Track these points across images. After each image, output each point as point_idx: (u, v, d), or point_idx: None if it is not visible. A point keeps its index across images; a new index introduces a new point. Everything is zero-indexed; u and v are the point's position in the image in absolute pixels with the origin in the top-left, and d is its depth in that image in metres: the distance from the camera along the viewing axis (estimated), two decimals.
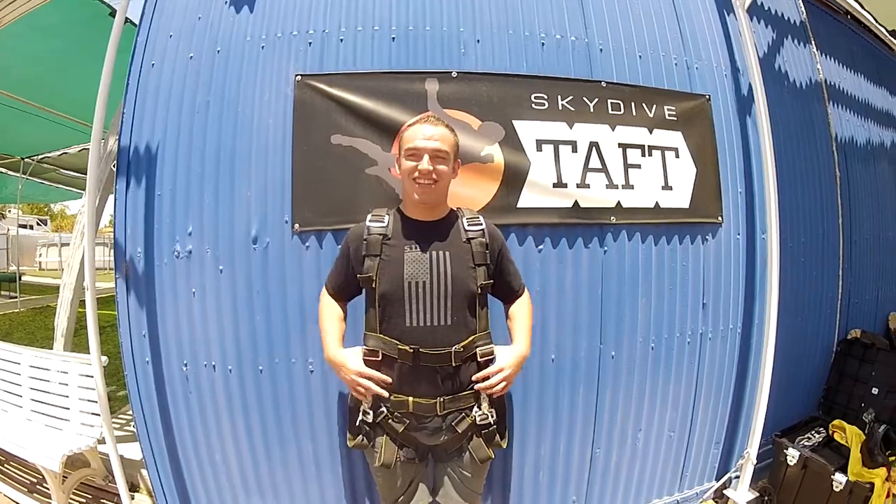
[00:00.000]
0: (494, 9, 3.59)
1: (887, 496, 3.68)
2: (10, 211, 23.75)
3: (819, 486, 3.77)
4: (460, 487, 2.66)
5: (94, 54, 3.29)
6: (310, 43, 3.42)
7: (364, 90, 3.35)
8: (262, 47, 3.43)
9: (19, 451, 3.88)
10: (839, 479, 3.66)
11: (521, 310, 2.73)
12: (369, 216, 2.58)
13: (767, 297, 3.75)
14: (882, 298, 5.51)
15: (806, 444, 4.03)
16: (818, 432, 4.16)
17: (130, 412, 3.56)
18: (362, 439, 2.56)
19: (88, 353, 3.47)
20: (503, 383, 2.47)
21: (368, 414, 2.49)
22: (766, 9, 4.64)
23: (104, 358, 3.44)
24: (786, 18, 4.82)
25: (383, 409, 2.49)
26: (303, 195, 3.30)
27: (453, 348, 2.44)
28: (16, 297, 14.02)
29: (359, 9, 3.47)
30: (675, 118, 3.83)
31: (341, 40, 3.43)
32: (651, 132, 3.74)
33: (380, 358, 2.48)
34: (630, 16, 3.87)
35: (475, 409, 2.53)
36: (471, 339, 2.49)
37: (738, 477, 3.84)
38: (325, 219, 3.28)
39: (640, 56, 3.84)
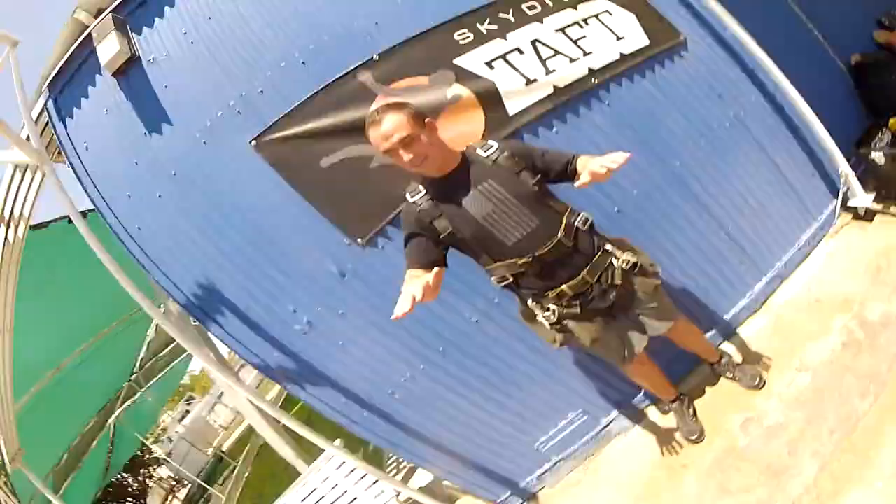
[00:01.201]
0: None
1: None
2: (163, 421, 22.69)
3: None
4: (655, 316, 2.87)
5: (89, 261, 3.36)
6: (238, 111, 3.52)
7: (315, 114, 3.43)
8: (204, 143, 3.54)
9: None
10: None
11: (584, 157, 2.68)
12: (407, 193, 2.63)
13: (763, 64, 3.97)
14: (856, 29, 5.50)
15: (881, 145, 4.11)
16: (883, 133, 4.21)
17: None
18: (562, 336, 2.75)
19: None
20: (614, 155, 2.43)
21: (549, 316, 2.66)
22: None
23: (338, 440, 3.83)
24: None
25: (550, 307, 2.65)
26: (340, 217, 3.45)
27: (559, 236, 2.54)
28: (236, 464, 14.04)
29: (254, 59, 3.58)
30: None
31: (261, 92, 3.53)
32: (576, 9, 3.84)
33: (511, 279, 2.61)
34: None
35: (614, 260, 2.66)
36: (563, 221, 2.58)
37: (847, 189, 4.07)
38: (374, 219, 3.43)
39: None
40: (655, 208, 3.74)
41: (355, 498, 4.30)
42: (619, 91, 3.76)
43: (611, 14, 3.90)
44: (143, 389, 11.42)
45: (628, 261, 2.66)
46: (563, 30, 3.75)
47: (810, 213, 4.17)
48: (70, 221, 3.46)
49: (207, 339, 4.14)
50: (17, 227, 3.91)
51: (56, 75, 3.74)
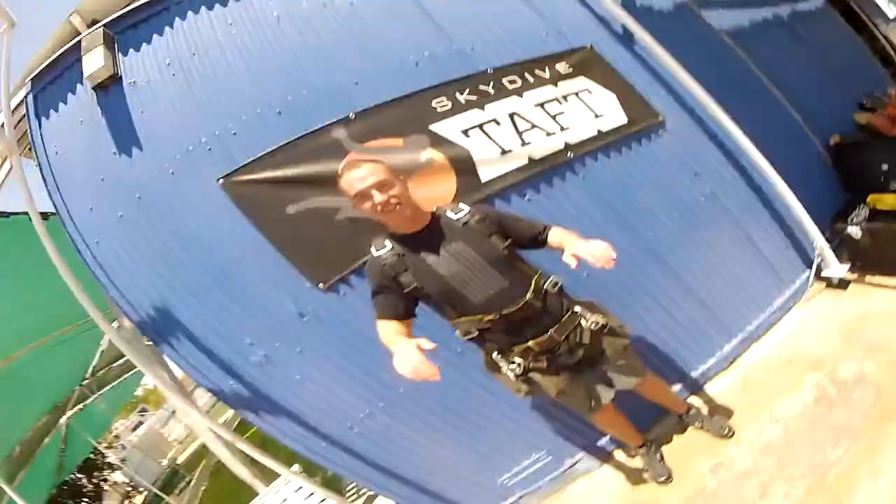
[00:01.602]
0: (357, 55, 3.81)
1: None
2: (115, 429, 22.22)
3: (894, 243, 3.85)
4: (624, 372, 2.87)
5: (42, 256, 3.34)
6: (209, 149, 3.56)
7: (286, 162, 3.47)
8: (172, 173, 3.55)
9: None
10: None
11: (559, 229, 2.78)
12: (372, 248, 2.62)
13: (740, 143, 4.03)
14: (837, 109, 5.66)
15: (857, 220, 4.12)
16: (861, 209, 4.23)
17: None
18: (527, 386, 2.71)
19: None
20: (603, 249, 2.51)
21: (515, 368, 2.64)
22: None
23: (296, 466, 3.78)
24: None
25: (516, 360, 2.64)
26: (302, 261, 3.45)
27: (527, 297, 2.54)
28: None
29: (231, 101, 3.65)
30: (571, 69, 4.02)
31: (234, 134, 3.58)
32: (556, 86, 3.92)
33: (476, 333, 2.61)
34: (482, 15, 4.12)
35: (583, 321, 2.68)
36: (533, 283, 2.59)
37: (822, 260, 4.09)
38: (337, 266, 3.44)
39: (511, 41, 4.06)
40: (626, 275, 3.75)
41: None
42: (595, 165, 3.81)
43: (590, 92, 3.98)
44: (94, 396, 11.37)
45: (597, 322, 2.67)
46: (542, 105, 3.82)
47: (783, 282, 4.21)
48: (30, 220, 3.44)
49: (160, 359, 4.09)
50: None
51: (41, 72, 3.81)
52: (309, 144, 3.52)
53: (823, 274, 4.12)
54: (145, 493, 16.66)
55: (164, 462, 18.62)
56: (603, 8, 4.31)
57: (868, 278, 3.94)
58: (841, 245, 4.17)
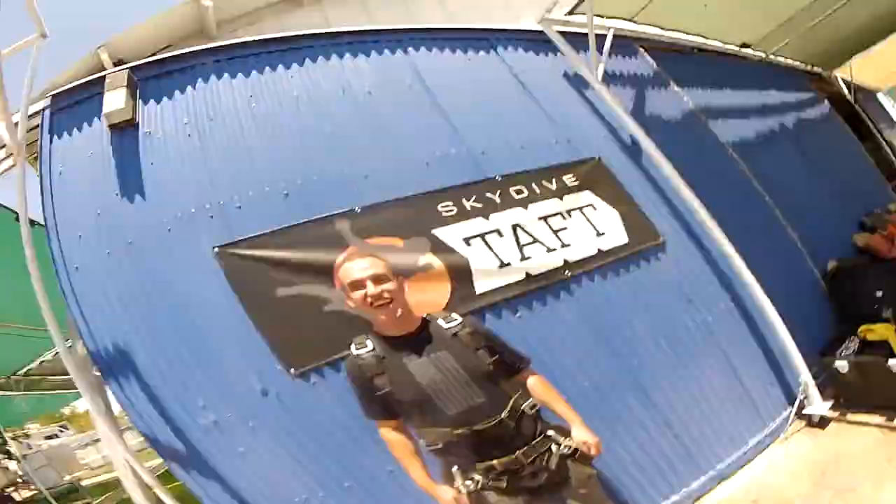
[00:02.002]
0: (368, 146, 3.89)
1: None
2: (27, 430, 22.04)
3: (882, 378, 3.83)
4: (584, 502, 2.64)
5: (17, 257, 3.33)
6: (211, 216, 3.54)
7: (283, 244, 3.47)
8: (169, 230, 3.51)
9: None
10: (894, 362, 3.73)
11: (543, 393, 2.77)
12: (353, 346, 2.58)
13: (738, 270, 4.15)
14: (837, 230, 5.87)
15: (846, 353, 4.15)
16: (851, 341, 4.28)
17: None
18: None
19: None
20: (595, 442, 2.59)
21: (469, 485, 2.46)
22: (620, 73, 5.15)
23: None
24: (641, 74, 5.36)
25: (475, 477, 2.48)
26: (281, 344, 3.32)
27: (502, 415, 2.47)
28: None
29: (242, 175, 3.68)
30: (577, 182, 4.10)
31: (238, 207, 3.58)
32: (561, 199, 3.99)
33: (441, 445, 2.50)
34: (496, 117, 4.26)
35: (554, 446, 2.56)
36: (511, 403, 2.52)
37: (805, 398, 4.12)
38: (314, 355, 3.32)
39: (521, 147, 4.16)
40: (603, 400, 3.69)
41: None
42: (591, 286, 3.84)
43: (595, 209, 4.05)
44: (17, 393, 11.46)
45: (569, 447, 2.56)
46: (545, 218, 3.88)
47: (762, 419, 4.16)
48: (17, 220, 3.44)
49: (102, 389, 4.06)
50: None
51: (62, 92, 3.80)
52: (311, 231, 3.53)
53: (805, 411, 4.10)
54: (35, 492, 16.36)
55: (67, 477, 18.06)
56: (613, 117, 4.44)
57: (849, 416, 3.95)
58: (827, 380, 4.20)
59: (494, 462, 2.46)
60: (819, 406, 4.03)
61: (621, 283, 3.95)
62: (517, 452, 2.47)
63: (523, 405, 2.56)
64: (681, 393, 3.95)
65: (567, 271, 3.76)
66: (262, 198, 3.62)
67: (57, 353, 8.67)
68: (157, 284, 3.40)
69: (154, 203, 3.57)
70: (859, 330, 4.26)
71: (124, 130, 3.69)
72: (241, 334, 3.33)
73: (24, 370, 10.96)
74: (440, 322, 2.65)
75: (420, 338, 2.59)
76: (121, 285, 3.41)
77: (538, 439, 2.55)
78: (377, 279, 2.51)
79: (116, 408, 3.81)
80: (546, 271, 3.73)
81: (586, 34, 4.47)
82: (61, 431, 27.06)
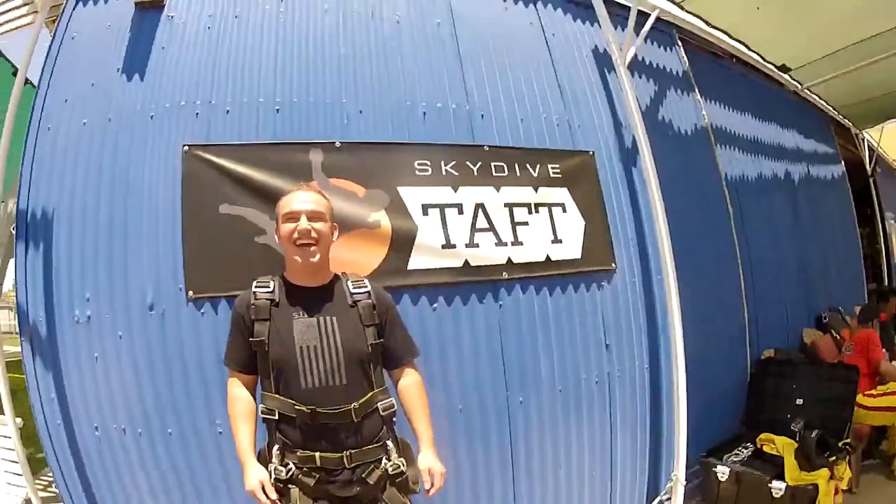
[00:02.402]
0: (377, 80, 3.78)
1: (836, 493, 3.86)
2: None
3: (757, 496, 3.86)
4: None
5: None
6: (197, 114, 3.53)
7: (251, 161, 3.44)
8: (152, 117, 3.51)
9: None
10: (778, 486, 3.76)
11: (415, 395, 2.69)
12: (255, 283, 2.55)
13: (672, 334, 3.87)
14: (792, 317, 5.79)
15: (734, 459, 4.17)
16: (745, 447, 4.32)
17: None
18: (276, 496, 2.47)
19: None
20: (443, 475, 2.56)
21: (281, 471, 2.45)
22: (648, 63, 4.90)
23: (19, 420, 3.44)
24: (668, 70, 5.10)
25: (291, 465, 2.47)
26: (195, 263, 3.34)
27: (352, 405, 2.41)
28: None
29: (244, 81, 3.62)
30: (559, 175, 4.02)
31: (227, 111, 3.55)
32: (536, 190, 3.92)
33: (276, 417, 2.48)
34: (511, 81, 4.09)
35: (384, 460, 2.49)
36: (368, 395, 2.47)
37: (669, 499, 3.88)
38: (219, 285, 3.31)
39: (521, 120, 4.05)
40: (466, 432, 3.60)
41: None
42: (520, 297, 3.77)
43: (564, 211, 3.99)
44: None
45: (398, 466, 2.48)
46: (511, 206, 3.83)
47: None
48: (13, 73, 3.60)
49: (8, 253, 4.13)
50: None
51: None
52: (283, 155, 3.52)
53: None
54: None
55: None
56: (623, 111, 4.31)
57: None
58: (698, 487, 4.16)
59: (316, 454, 2.42)
60: None
61: (552, 304, 3.85)
62: (344, 452, 2.43)
63: (379, 403, 2.52)
64: (548, 452, 3.82)
65: (505, 272, 3.72)
66: (254, 108, 3.58)
67: None
68: (115, 166, 3.44)
69: (149, 88, 3.57)
70: (759, 438, 4.26)
71: (149, 10, 3.68)
72: (164, 241, 3.36)
73: None
74: (349, 284, 2.63)
75: (322, 294, 2.57)
76: (81, 157, 3.46)
77: (373, 445, 2.50)
78: (313, 216, 2.48)
79: (8, 284, 3.79)
80: (485, 265, 3.68)
81: (628, 8, 4.20)
82: None
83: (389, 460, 2.50)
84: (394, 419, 2.59)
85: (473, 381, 3.63)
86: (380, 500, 2.51)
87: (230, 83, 3.61)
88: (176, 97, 3.56)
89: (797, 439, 4.10)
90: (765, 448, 4.20)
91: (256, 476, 2.42)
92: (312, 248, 2.47)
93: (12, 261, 3.90)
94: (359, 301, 2.57)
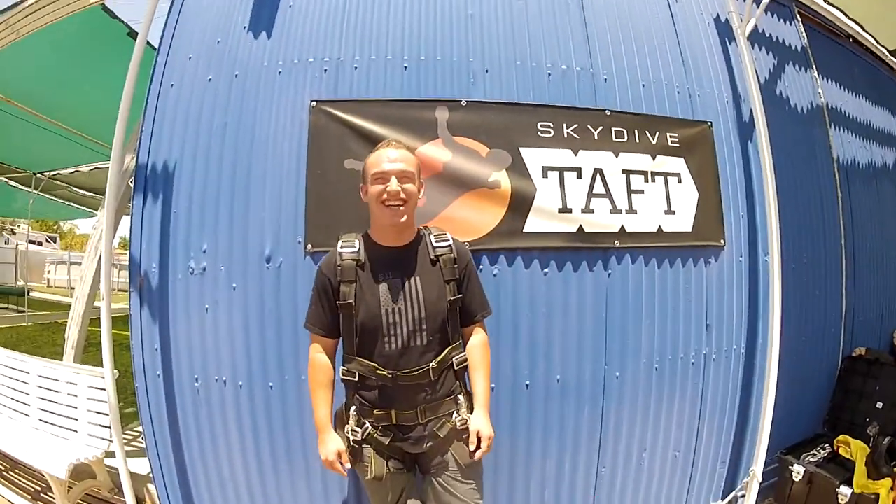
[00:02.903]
0: (503, 41, 3.73)
1: None
2: (19, 226, 23.64)
3: (825, 500, 3.77)
4: (450, 496, 2.61)
5: (110, 73, 3.40)
6: (325, 70, 3.57)
7: (377, 117, 3.47)
8: (279, 73, 3.58)
9: (27, 458, 3.98)
10: (844, 492, 3.68)
11: (480, 354, 2.73)
12: (340, 242, 2.63)
13: (770, 318, 3.77)
14: (886, 316, 5.56)
15: (811, 459, 4.06)
16: (823, 448, 4.21)
17: (138, 428, 3.62)
18: (352, 458, 2.59)
19: (98, 367, 3.59)
20: (492, 439, 2.59)
21: (357, 432, 2.55)
22: (768, 35, 4.74)
23: (115, 371, 3.53)
24: (787, 44, 4.91)
25: (367, 425, 2.56)
26: (316, 217, 3.40)
27: (430, 365, 2.52)
28: (24, 312, 14.17)
29: (373, 38, 3.64)
30: (677, 145, 3.92)
31: (355, 68, 3.58)
32: (654, 158, 3.84)
33: (356, 379, 2.56)
34: (634, 46, 3.99)
35: (454, 414, 2.60)
36: (446, 352, 2.58)
37: (743, 495, 3.78)
38: (335, 238, 3.33)
39: (643, 85, 3.95)
40: (555, 400, 3.57)
41: None
42: (629, 267, 3.70)
43: (679, 182, 3.90)
44: (30, 190, 12.32)
45: (465, 421, 2.57)
46: (629, 173, 3.76)
47: (686, 501, 3.97)
48: (131, 35, 3.72)
49: (123, 207, 4.21)
50: None
51: None
52: (410, 111, 3.52)
53: None
54: None
55: (21, 283, 18.00)
56: (743, 83, 4.20)
57: None
58: (773, 486, 4.09)
59: (392, 412, 2.53)
60: None
61: (659, 277, 3.78)
62: (419, 407, 2.53)
63: (454, 358, 2.62)
64: (635, 430, 3.76)
65: (617, 241, 3.67)
66: (382, 65, 3.60)
67: (94, 168, 9.10)
68: (241, 121, 3.51)
69: (277, 44, 3.62)
70: (837, 440, 4.16)
71: None
72: (287, 194, 3.45)
73: (53, 173, 11.55)
74: (432, 239, 2.67)
75: (406, 254, 2.62)
76: (205, 112, 3.55)
77: (447, 399, 2.60)
78: (403, 176, 2.51)
79: (117, 241, 3.85)
80: (599, 232, 3.64)
81: None
82: (47, 242, 27.20)
83: (458, 414, 2.60)
84: (465, 372, 2.70)
85: (575, 350, 3.61)
86: (450, 459, 2.62)
87: (358, 40, 3.64)
88: (304, 54, 3.61)
89: (871, 444, 4.01)
90: (840, 451, 4.11)
91: (334, 446, 2.54)
92: (401, 209, 2.51)
93: (123, 218, 3.97)
94: (441, 255, 2.62)
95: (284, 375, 3.41)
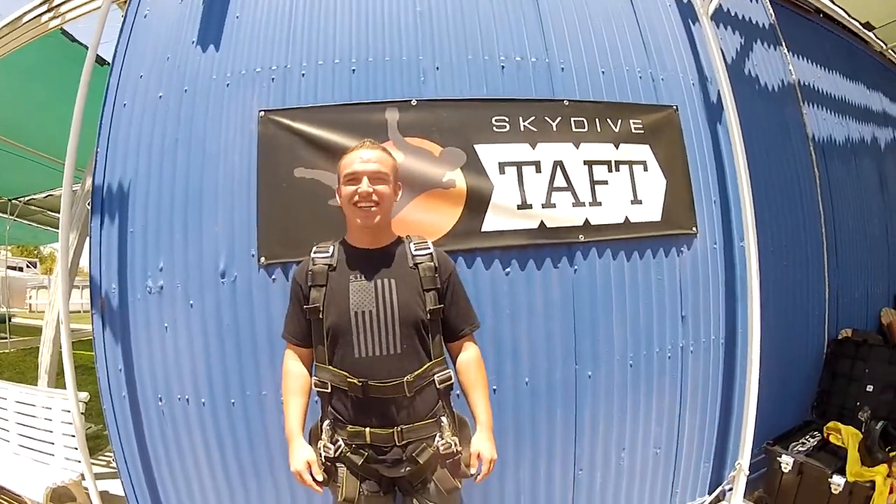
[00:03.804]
0: (454, 35, 3.64)
1: (890, 492, 3.61)
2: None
3: (817, 490, 3.67)
4: None
5: (76, 97, 3.38)
6: (273, 79, 3.52)
7: (326, 123, 3.39)
8: (227, 85, 3.54)
9: (7, 483, 3.97)
10: (837, 482, 3.57)
11: (474, 372, 2.59)
12: (314, 248, 2.54)
13: (749, 305, 3.68)
14: (871, 295, 5.46)
15: (800, 449, 3.96)
16: (813, 436, 4.11)
17: None
18: (324, 474, 2.42)
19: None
20: (494, 461, 2.46)
21: (329, 448, 2.40)
22: (733, 14, 4.63)
23: (85, 394, 3.53)
24: (754, 22, 4.81)
25: (341, 442, 2.41)
26: (268, 229, 3.34)
27: (405, 378, 2.34)
28: (6, 339, 14.08)
29: (320, 42, 3.58)
30: (641, 131, 3.82)
31: (303, 75, 3.53)
32: (617, 147, 3.73)
33: (329, 390, 2.43)
34: (592, 33, 3.89)
35: (437, 438, 2.42)
36: (424, 367, 2.40)
37: (731, 489, 3.72)
38: (291, 251, 3.27)
39: (602, 72, 3.85)
40: (532, 403, 3.49)
41: None
42: (595, 262, 3.60)
43: (645, 170, 3.79)
44: (6, 216, 12.24)
45: (449, 445, 2.40)
46: (591, 164, 3.65)
47: (671, 499, 3.87)
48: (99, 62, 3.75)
49: (84, 230, 4.22)
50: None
51: None
52: (359, 114, 3.45)
53: None
54: None
55: (3, 309, 17.84)
56: (708, 64, 4.10)
57: None
58: (761, 478, 3.99)
59: (367, 430, 2.35)
60: None
61: (629, 270, 3.67)
62: (395, 428, 2.35)
63: (435, 375, 2.45)
64: (612, 430, 3.67)
65: (582, 235, 3.56)
66: (330, 69, 3.57)
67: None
68: (192, 136, 3.51)
69: (225, 56, 3.60)
70: (826, 427, 4.06)
71: None
72: (239, 208, 3.41)
73: (28, 198, 11.58)
74: (411, 246, 2.56)
75: (381, 257, 2.50)
76: (157, 129, 3.54)
77: (426, 421, 2.42)
78: (376, 177, 2.41)
79: (84, 261, 3.85)
80: (561, 227, 3.53)
81: None
82: (27, 267, 27.53)
83: (442, 438, 2.42)
84: (450, 392, 2.54)
85: (544, 350, 3.52)
86: (429, 482, 2.44)
87: (305, 46, 3.60)
88: (251, 64, 3.58)
89: (863, 430, 3.91)
90: (831, 438, 4.01)
91: (303, 456, 2.40)
92: (373, 210, 2.41)
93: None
94: (420, 263, 2.49)
95: (246, 391, 3.35)
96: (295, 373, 2.56)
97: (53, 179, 9.37)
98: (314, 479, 2.36)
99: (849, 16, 5.76)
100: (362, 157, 2.43)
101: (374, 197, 2.39)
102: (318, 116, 3.42)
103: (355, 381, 2.33)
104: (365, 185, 2.37)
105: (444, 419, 2.46)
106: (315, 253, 2.52)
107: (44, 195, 11.29)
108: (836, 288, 4.96)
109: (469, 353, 2.61)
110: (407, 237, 2.62)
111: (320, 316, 2.41)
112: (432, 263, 2.50)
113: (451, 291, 2.57)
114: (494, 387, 3.38)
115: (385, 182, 2.44)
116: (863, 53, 6.16)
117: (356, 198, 2.38)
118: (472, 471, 2.48)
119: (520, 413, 3.47)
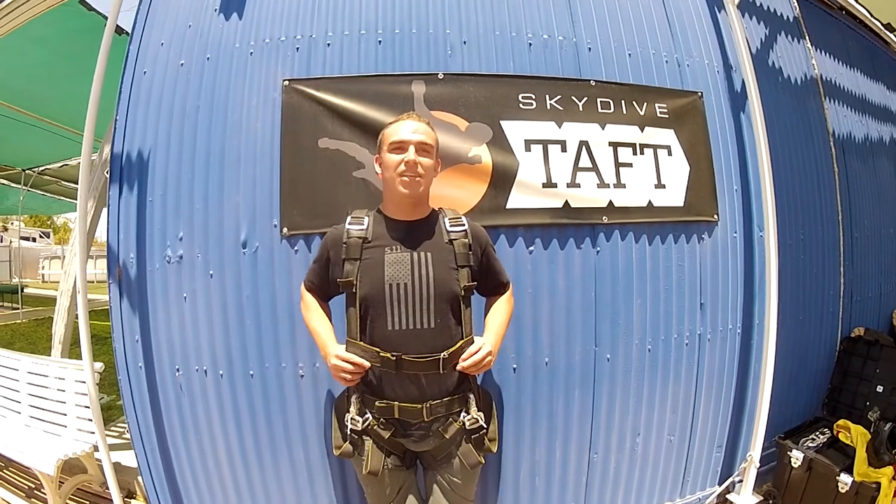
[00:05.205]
0: (481, 10, 3.59)
1: (894, 495, 3.57)
2: (12, 223, 23.75)
3: (824, 488, 3.65)
4: (450, 494, 2.53)
5: (93, 66, 3.32)
6: (297, 48, 3.45)
7: (351, 93, 3.35)
8: (251, 53, 3.47)
9: (17, 456, 3.92)
10: (845, 480, 3.54)
11: (502, 305, 2.69)
12: (349, 218, 2.52)
13: (767, 297, 3.66)
14: (886, 295, 5.41)
15: (810, 445, 3.93)
16: (822, 433, 4.07)
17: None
18: (349, 447, 2.46)
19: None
20: (489, 358, 2.42)
21: (357, 421, 2.40)
22: (758, 5, 4.59)
23: (100, 364, 3.51)
24: (778, 14, 4.77)
25: (369, 415, 2.41)
26: (291, 199, 3.29)
27: (441, 355, 2.34)
28: (18, 309, 14.20)
29: (346, 13, 3.51)
30: (666, 116, 3.78)
31: (328, 45, 3.46)
32: (642, 130, 3.69)
33: None
34: (619, 14, 3.85)
35: (463, 413, 2.45)
36: (459, 344, 2.40)
37: (741, 481, 3.75)
38: (313, 222, 3.25)
39: (629, 54, 3.81)
40: (550, 383, 3.46)
41: None
42: (618, 244, 3.57)
43: (669, 154, 3.76)
44: (20, 186, 12.43)
45: (475, 420, 2.44)
46: (616, 146, 3.61)
47: (680, 489, 3.86)
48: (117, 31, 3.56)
49: (102, 199, 4.17)
50: None
51: None
52: (385, 86, 3.40)
53: (729, 497, 3.84)
54: None
55: (16, 280, 18.17)
56: (733, 53, 4.08)
57: None
58: (770, 471, 4.00)
59: (395, 404, 2.38)
60: (746, 499, 3.67)
61: (650, 254, 3.64)
62: (425, 403, 2.38)
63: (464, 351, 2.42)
64: (628, 415, 3.64)
65: (605, 216, 3.52)
66: (356, 40, 3.49)
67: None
68: (214, 105, 3.42)
69: (248, 24, 3.52)
70: (836, 424, 4.02)
71: None
72: (261, 178, 3.35)
73: (42, 169, 11.63)
74: (446, 221, 2.56)
75: (418, 229, 2.50)
76: (178, 97, 3.46)
77: (456, 396, 2.45)
78: (421, 148, 2.42)
79: (99, 232, 3.80)
80: (585, 208, 3.49)
81: None
82: (40, 237, 27.35)
83: (468, 413, 2.45)
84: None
85: (564, 331, 3.48)
86: (454, 456, 2.49)
87: (331, 16, 3.52)
88: (275, 33, 3.50)
89: (871, 430, 3.86)
90: (840, 436, 3.96)
91: (334, 351, 2.43)
92: (417, 180, 2.42)
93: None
94: (455, 239, 2.50)
95: (265, 363, 3.31)
96: (316, 304, 2.62)
97: (69, 149, 9.48)
98: (354, 364, 2.35)
99: (871, 16, 5.72)
100: (409, 128, 2.43)
101: (420, 168, 2.39)
102: (344, 87, 3.37)
103: (388, 355, 2.33)
104: (412, 154, 2.37)
105: (470, 395, 2.48)
106: (350, 224, 2.50)
107: (59, 165, 11.26)
108: (850, 285, 4.91)
109: (504, 296, 2.72)
110: (441, 210, 2.62)
111: (353, 290, 2.40)
112: (466, 240, 2.50)
113: (487, 263, 2.62)
114: (514, 365, 3.39)
115: (429, 154, 2.45)
116: (884, 54, 6.10)
117: (402, 167, 2.38)
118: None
119: (538, 392, 3.45)
